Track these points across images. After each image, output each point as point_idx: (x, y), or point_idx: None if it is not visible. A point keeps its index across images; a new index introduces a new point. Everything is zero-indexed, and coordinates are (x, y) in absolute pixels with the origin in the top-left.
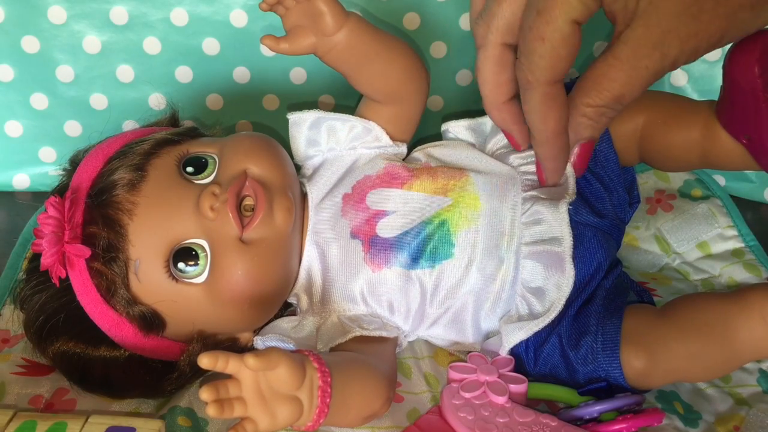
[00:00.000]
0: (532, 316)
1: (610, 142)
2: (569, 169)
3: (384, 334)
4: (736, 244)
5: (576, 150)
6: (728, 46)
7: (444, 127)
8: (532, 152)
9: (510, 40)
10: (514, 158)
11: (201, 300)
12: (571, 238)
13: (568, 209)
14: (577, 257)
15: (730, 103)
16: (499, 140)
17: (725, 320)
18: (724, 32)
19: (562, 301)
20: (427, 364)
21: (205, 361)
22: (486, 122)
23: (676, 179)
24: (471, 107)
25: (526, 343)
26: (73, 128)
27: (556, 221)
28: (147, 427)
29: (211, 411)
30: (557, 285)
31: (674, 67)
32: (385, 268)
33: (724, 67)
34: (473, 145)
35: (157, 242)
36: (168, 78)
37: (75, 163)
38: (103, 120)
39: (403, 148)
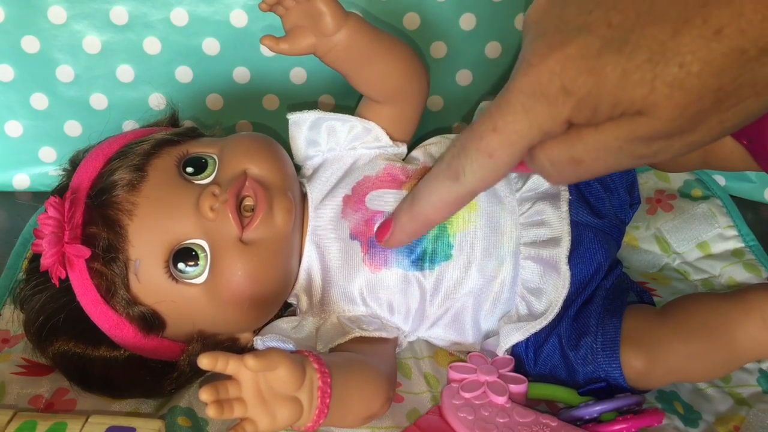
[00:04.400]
0: (532, 316)
1: None
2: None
3: (384, 334)
4: (736, 244)
5: None
6: None
7: (483, 104)
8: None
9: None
10: None
11: (201, 300)
12: (570, 238)
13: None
14: (577, 257)
15: None
16: None
17: (725, 320)
18: (726, 131)
19: (559, 303)
20: (427, 364)
21: (204, 361)
22: None
23: (676, 179)
24: (471, 107)
25: (525, 343)
26: (73, 128)
27: (558, 220)
28: (147, 427)
29: (210, 412)
30: (555, 286)
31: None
32: (384, 269)
33: None
34: None
35: (157, 242)
36: (168, 78)
37: (75, 163)
38: (103, 120)
39: (403, 149)
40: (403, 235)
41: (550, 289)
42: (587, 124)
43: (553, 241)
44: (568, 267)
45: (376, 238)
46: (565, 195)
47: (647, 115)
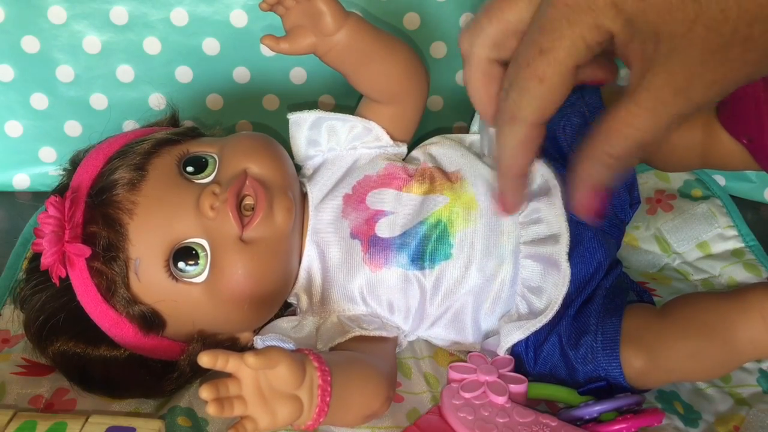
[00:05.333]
0: (533, 315)
1: None
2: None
3: (384, 333)
4: (736, 244)
5: (594, 200)
6: None
7: None
8: None
9: (497, 56)
10: None
11: (201, 299)
12: (569, 235)
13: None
14: (577, 257)
15: (731, 104)
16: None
17: (725, 320)
18: (751, 76)
19: (559, 300)
20: (427, 364)
21: (204, 359)
22: None
23: (676, 179)
24: (471, 107)
25: (525, 342)
26: (73, 128)
27: (554, 217)
28: (147, 427)
29: (211, 410)
30: (555, 284)
31: (697, 110)
32: (384, 268)
33: None
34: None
35: (158, 242)
36: (168, 78)
37: (75, 163)
38: (103, 120)
39: (403, 148)
40: (509, 196)
41: (550, 286)
42: (626, 46)
43: (552, 238)
44: (568, 264)
45: (498, 211)
46: (557, 191)
47: (678, 52)
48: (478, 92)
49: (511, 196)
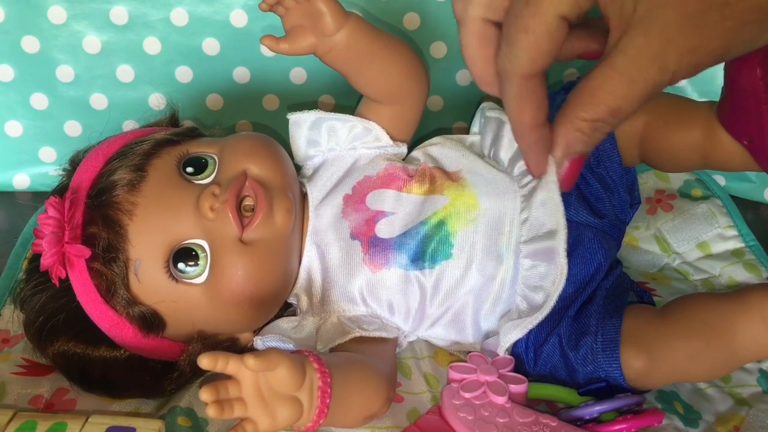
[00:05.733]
0: (532, 311)
1: (614, 142)
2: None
3: (384, 334)
4: (736, 244)
5: (566, 165)
6: None
7: (484, 104)
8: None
9: (491, 17)
10: (504, 155)
11: (201, 300)
12: (566, 230)
13: (563, 203)
14: (577, 257)
15: (731, 105)
16: (494, 139)
17: (725, 320)
18: (726, 48)
19: (555, 295)
20: (427, 364)
21: (204, 361)
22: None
23: (676, 179)
24: (471, 107)
25: (526, 343)
26: (73, 128)
27: (551, 212)
28: (147, 427)
29: (211, 412)
30: (552, 279)
31: (673, 82)
32: (384, 269)
33: (725, 69)
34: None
35: (157, 243)
36: (168, 78)
37: (75, 163)
38: (103, 120)
39: (403, 148)
40: (530, 157)
41: (549, 284)
42: (607, 5)
43: (550, 235)
44: (566, 259)
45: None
46: (555, 186)
47: (655, 13)
48: (473, 55)
49: (531, 156)
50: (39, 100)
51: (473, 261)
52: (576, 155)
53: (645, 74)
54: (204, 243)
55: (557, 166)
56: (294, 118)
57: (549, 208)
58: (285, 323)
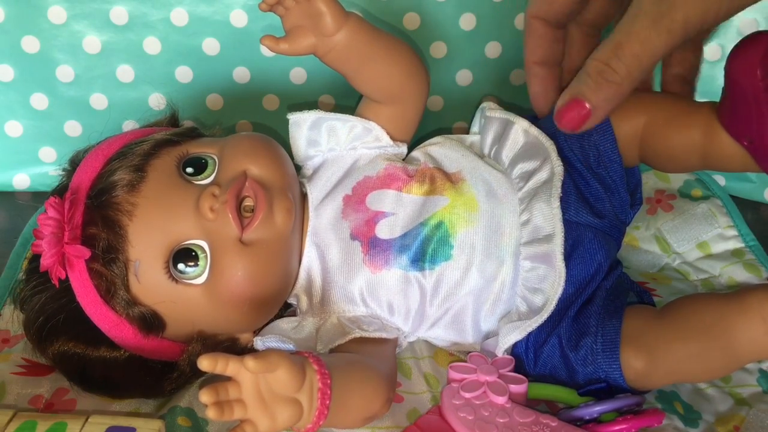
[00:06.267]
0: (532, 315)
1: (615, 143)
2: (557, 170)
3: (384, 335)
4: (736, 244)
5: (566, 99)
6: (730, 48)
7: (484, 104)
8: (523, 147)
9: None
10: (506, 156)
11: (201, 301)
12: (563, 234)
13: (561, 205)
14: (577, 258)
15: (731, 105)
16: (496, 139)
17: (725, 321)
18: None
19: (555, 299)
20: (427, 364)
21: (204, 363)
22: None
23: (676, 179)
24: (471, 107)
25: (525, 343)
26: (73, 128)
27: (549, 217)
28: (147, 427)
29: (210, 413)
30: (552, 282)
31: (685, 33)
32: (384, 270)
33: (725, 69)
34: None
35: (157, 243)
36: (168, 78)
37: (75, 163)
38: (103, 120)
39: (403, 149)
40: (530, 87)
41: (548, 286)
42: None
43: (548, 238)
44: (563, 262)
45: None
46: (557, 192)
47: None
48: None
49: (530, 87)
50: (39, 100)
51: (473, 262)
52: (576, 96)
53: (670, 25)
54: (204, 243)
55: (560, 99)
56: (294, 118)
57: (547, 212)
58: (285, 324)
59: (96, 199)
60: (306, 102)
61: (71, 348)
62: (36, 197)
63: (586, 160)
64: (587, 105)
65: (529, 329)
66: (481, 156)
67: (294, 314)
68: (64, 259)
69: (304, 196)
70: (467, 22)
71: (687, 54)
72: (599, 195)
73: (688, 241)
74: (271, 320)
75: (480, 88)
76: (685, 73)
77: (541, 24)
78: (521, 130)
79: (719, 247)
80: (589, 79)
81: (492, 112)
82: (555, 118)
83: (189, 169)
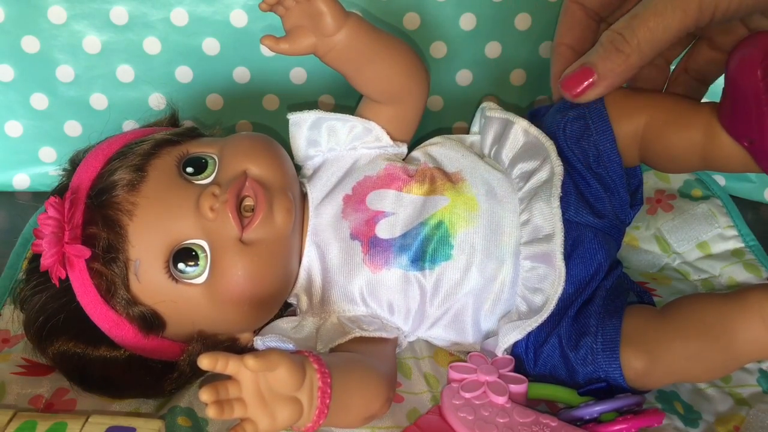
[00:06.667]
0: (532, 315)
1: (614, 143)
2: (557, 169)
3: (384, 334)
4: (736, 244)
5: (575, 67)
6: (729, 48)
7: (484, 104)
8: (523, 147)
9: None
10: (506, 156)
11: (201, 300)
12: (563, 234)
13: (561, 205)
14: (577, 257)
15: (732, 106)
16: (497, 139)
17: (725, 321)
18: None
19: (555, 298)
20: (427, 364)
21: (204, 362)
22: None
23: (676, 179)
24: (471, 107)
25: (525, 343)
26: (73, 128)
27: (549, 217)
28: (147, 427)
29: (211, 412)
30: (551, 282)
31: (700, 14)
32: (384, 270)
33: (726, 70)
34: (471, 145)
35: (157, 243)
36: (168, 78)
37: (75, 163)
38: (103, 120)
39: (403, 148)
40: (552, 66)
41: (548, 286)
42: None
43: (548, 238)
44: (563, 262)
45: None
46: (557, 192)
47: None
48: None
49: (560, 74)
50: (39, 100)
51: (473, 262)
52: (587, 63)
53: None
54: (204, 243)
55: (570, 66)
56: (294, 118)
57: (547, 212)
58: (285, 323)
59: (96, 199)
60: (306, 102)
61: (71, 348)
62: (36, 197)
63: (585, 160)
64: (593, 73)
65: (529, 329)
66: (481, 156)
67: (294, 314)
68: (65, 258)
69: (304, 196)
70: (467, 22)
71: (715, 54)
72: (599, 195)
73: (688, 241)
74: (271, 320)
75: (480, 88)
76: (707, 74)
77: (579, 8)
78: (521, 130)
79: (719, 247)
80: (601, 47)
81: (492, 112)
82: (560, 82)
83: (189, 169)
